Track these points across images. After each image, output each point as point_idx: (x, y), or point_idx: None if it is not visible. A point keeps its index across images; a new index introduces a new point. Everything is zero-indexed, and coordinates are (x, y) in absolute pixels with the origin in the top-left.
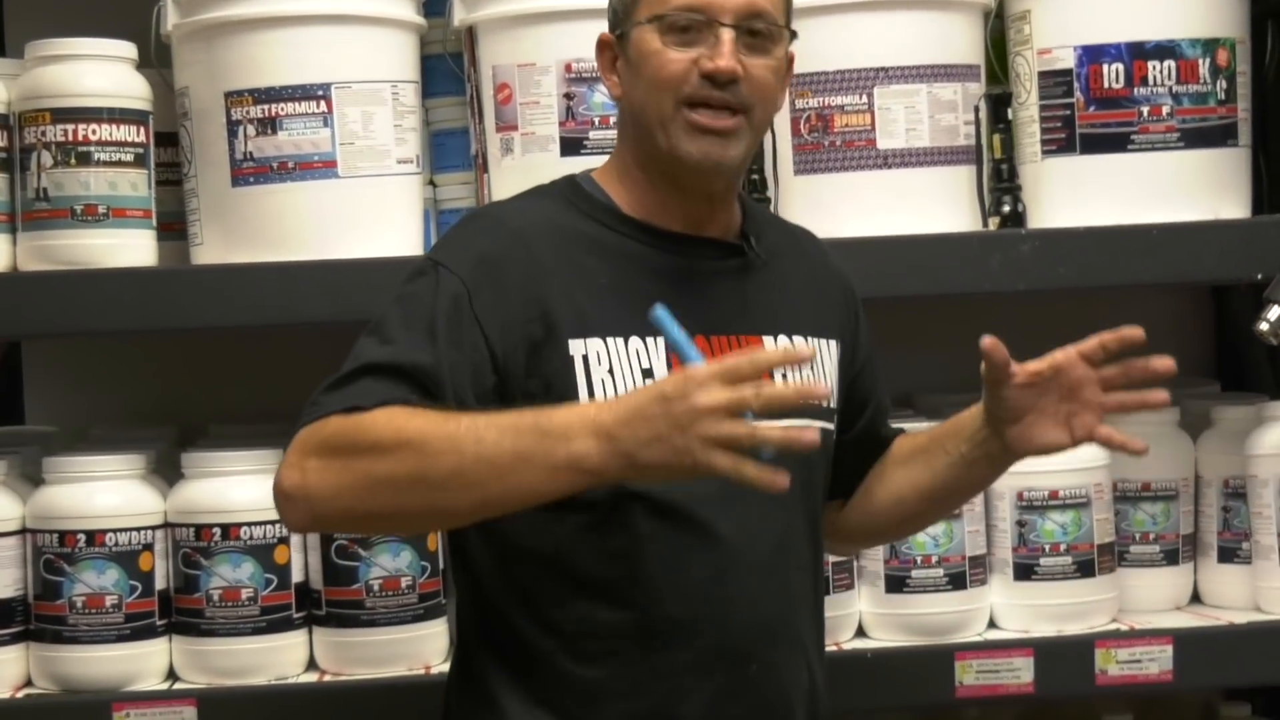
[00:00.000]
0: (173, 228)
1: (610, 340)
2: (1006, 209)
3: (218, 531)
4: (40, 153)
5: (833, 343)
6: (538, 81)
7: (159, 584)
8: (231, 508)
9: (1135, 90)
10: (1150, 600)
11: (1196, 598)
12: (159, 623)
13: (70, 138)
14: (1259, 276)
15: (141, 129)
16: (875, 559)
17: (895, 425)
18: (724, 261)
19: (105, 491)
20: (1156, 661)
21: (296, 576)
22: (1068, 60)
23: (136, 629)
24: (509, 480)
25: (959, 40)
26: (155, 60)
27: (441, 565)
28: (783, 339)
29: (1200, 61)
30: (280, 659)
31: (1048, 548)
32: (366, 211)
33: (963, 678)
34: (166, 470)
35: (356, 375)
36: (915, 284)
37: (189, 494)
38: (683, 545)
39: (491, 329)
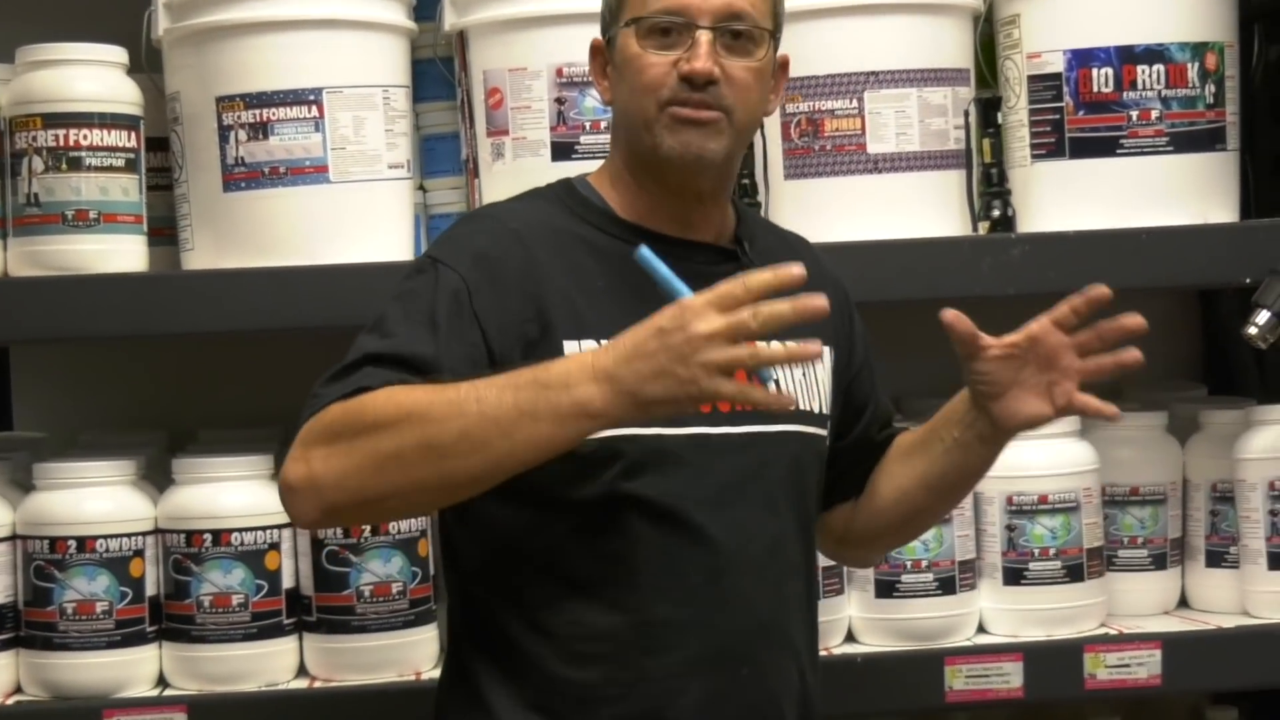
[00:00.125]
0: (163, 233)
1: (605, 342)
2: (996, 213)
3: (208, 537)
4: (31, 158)
5: (828, 349)
6: (529, 86)
7: (149, 590)
8: (222, 513)
9: (1124, 94)
10: (1138, 605)
11: (1184, 602)
12: (149, 629)
13: (61, 143)
14: (1247, 280)
15: (132, 134)
16: None
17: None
18: (718, 266)
19: (96, 498)
20: (1145, 666)
21: (287, 582)
22: (1057, 64)
23: (127, 635)
24: (516, 436)
25: (949, 44)
26: (146, 65)
27: (432, 571)
28: (775, 344)
29: (1189, 65)
30: (271, 665)
31: (1037, 552)
32: (358, 216)
33: (952, 682)
34: (156, 476)
35: (356, 366)
36: (906, 288)
37: (180, 500)
38: (675, 547)
39: (490, 327)
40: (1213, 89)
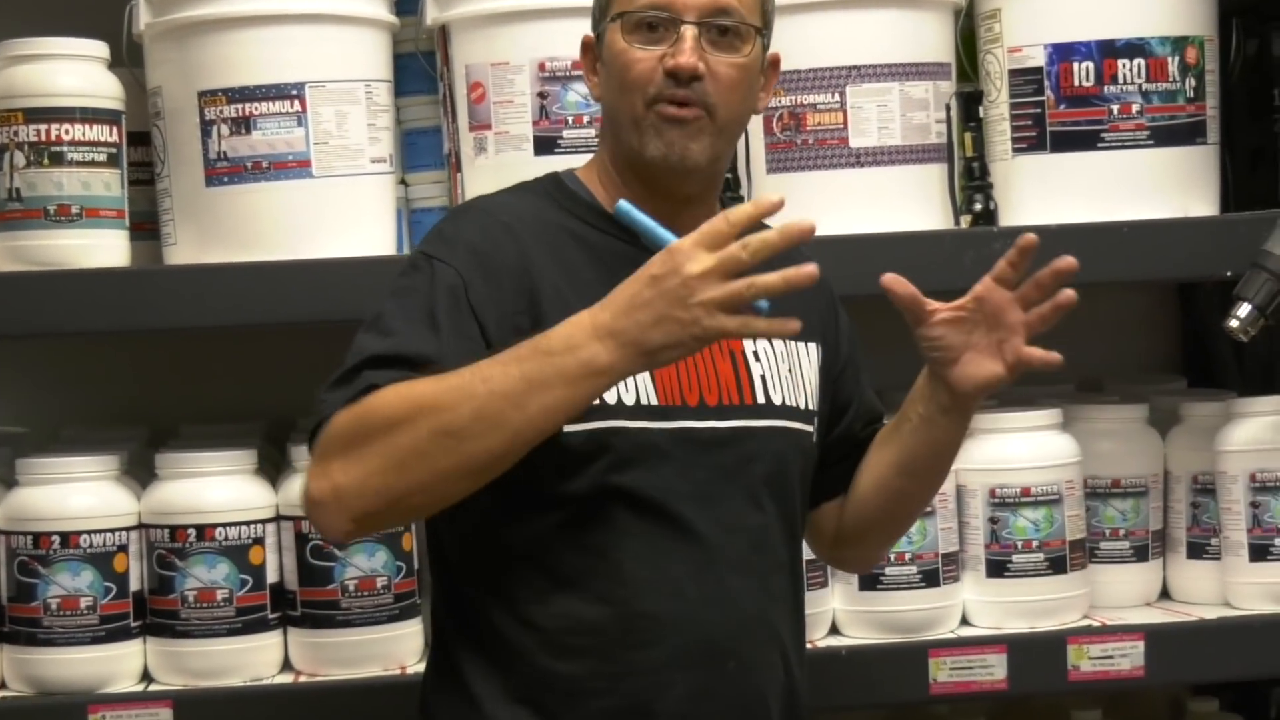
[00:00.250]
0: (144, 227)
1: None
2: (978, 207)
3: (192, 532)
4: (13, 153)
5: (813, 345)
6: (511, 80)
7: (134, 585)
8: (206, 509)
9: (1105, 88)
10: (1120, 596)
11: (1165, 594)
12: (134, 624)
13: (43, 138)
14: (1228, 274)
15: (114, 129)
16: None
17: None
18: None
19: (79, 493)
20: (1128, 657)
21: (271, 577)
22: (1038, 58)
23: (111, 631)
24: (530, 407)
25: (930, 38)
26: (127, 60)
27: (417, 565)
28: (761, 341)
29: (1170, 60)
30: (255, 660)
31: (1020, 544)
32: (340, 211)
33: (936, 675)
34: (138, 471)
35: (359, 369)
36: None
37: (163, 495)
38: (661, 541)
39: (487, 320)
40: (1193, 83)
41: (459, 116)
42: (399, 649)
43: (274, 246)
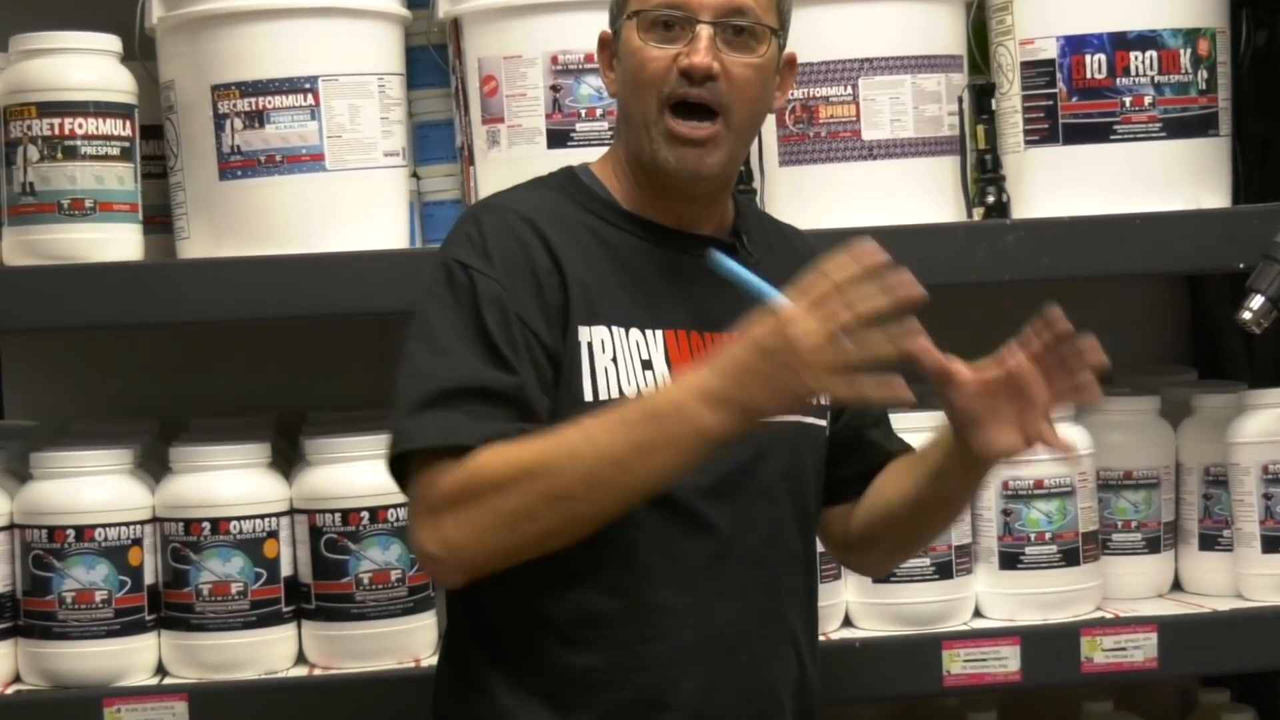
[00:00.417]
0: (156, 221)
1: (614, 329)
2: (991, 199)
3: (207, 526)
4: (26, 147)
5: None
6: (524, 73)
7: (148, 579)
8: (220, 502)
9: (1118, 80)
10: (1132, 588)
11: (1176, 585)
12: (148, 618)
13: (56, 131)
14: (1240, 266)
15: (127, 122)
16: None
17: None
18: None
19: (94, 487)
20: (1142, 649)
21: (286, 570)
22: (1050, 50)
23: (126, 624)
24: (639, 470)
25: (942, 30)
26: (140, 53)
27: None
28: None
29: (1182, 51)
30: (270, 653)
31: (1033, 536)
32: (353, 205)
33: (950, 667)
34: (151, 465)
35: (438, 400)
36: None
37: (177, 488)
38: (675, 534)
39: (537, 326)
40: (1205, 75)
41: (471, 110)
42: (413, 642)
43: (287, 240)
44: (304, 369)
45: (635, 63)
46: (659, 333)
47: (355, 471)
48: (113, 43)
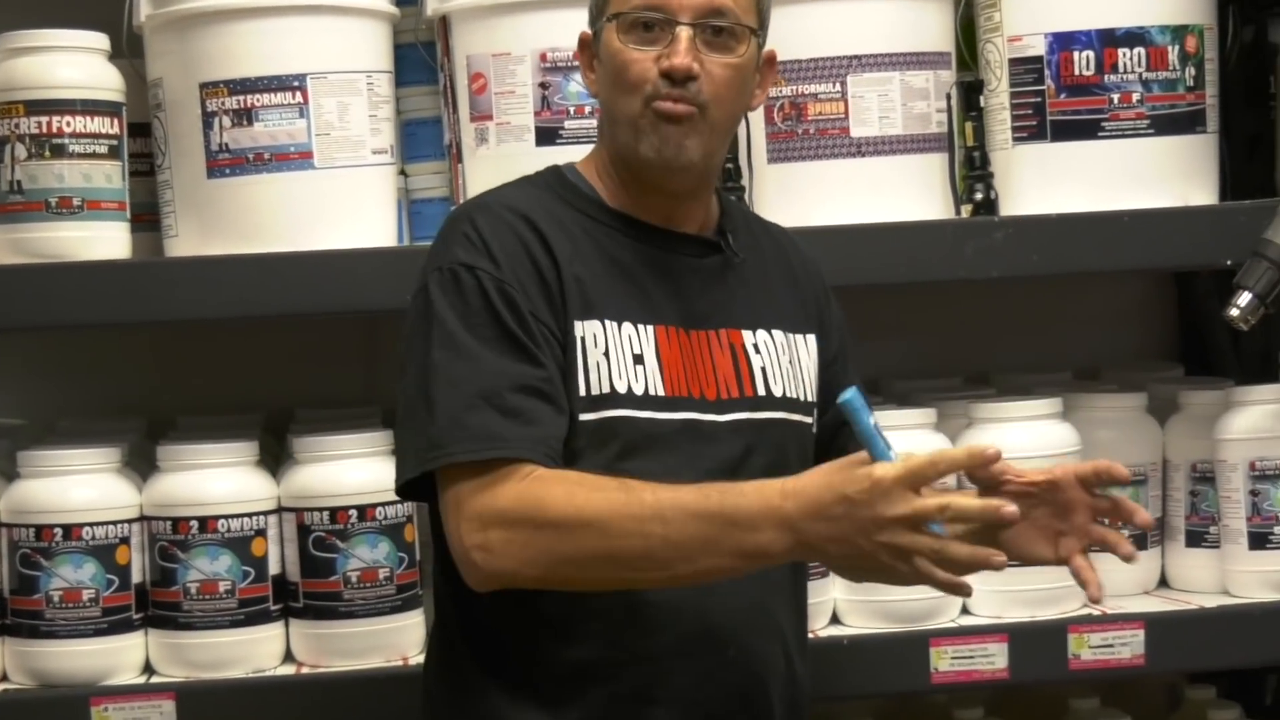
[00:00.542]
0: (143, 219)
1: (607, 323)
2: (979, 196)
3: (194, 524)
4: (14, 145)
5: (811, 337)
6: (512, 71)
7: (136, 578)
8: (208, 500)
9: (1105, 77)
10: (1118, 584)
11: (1163, 582)
12: (136, 616)
13: (44, 130)
14: (1228, 262)
15: (115, 120)
16: None
17: None
18: (703, 258)
19: (81, 485)
20: (1129, 646)
21: (273, 569)
22: (1038, 47)
23: (114, 623)
24: (697, 564)
25: (931, 27)
26: (127, 51)
27: (418, 556)
28: (761, 333)
29: (1170, 48)
30: (258, 651)
31: None
32: (342, 202)
33: (938, 664)
34: (138, 463)
35: (476, 405)
36: (890, 271)
37: (165, 487)
38: None
39: (546, 318)
40: (1193, 71)
41: (460, 107)
42: (401, 640)
43: (275, 238)
44: (292, 367)
45: (616, 64)
46: (650, 328)
47: (343, 470)
48: (100, 40)
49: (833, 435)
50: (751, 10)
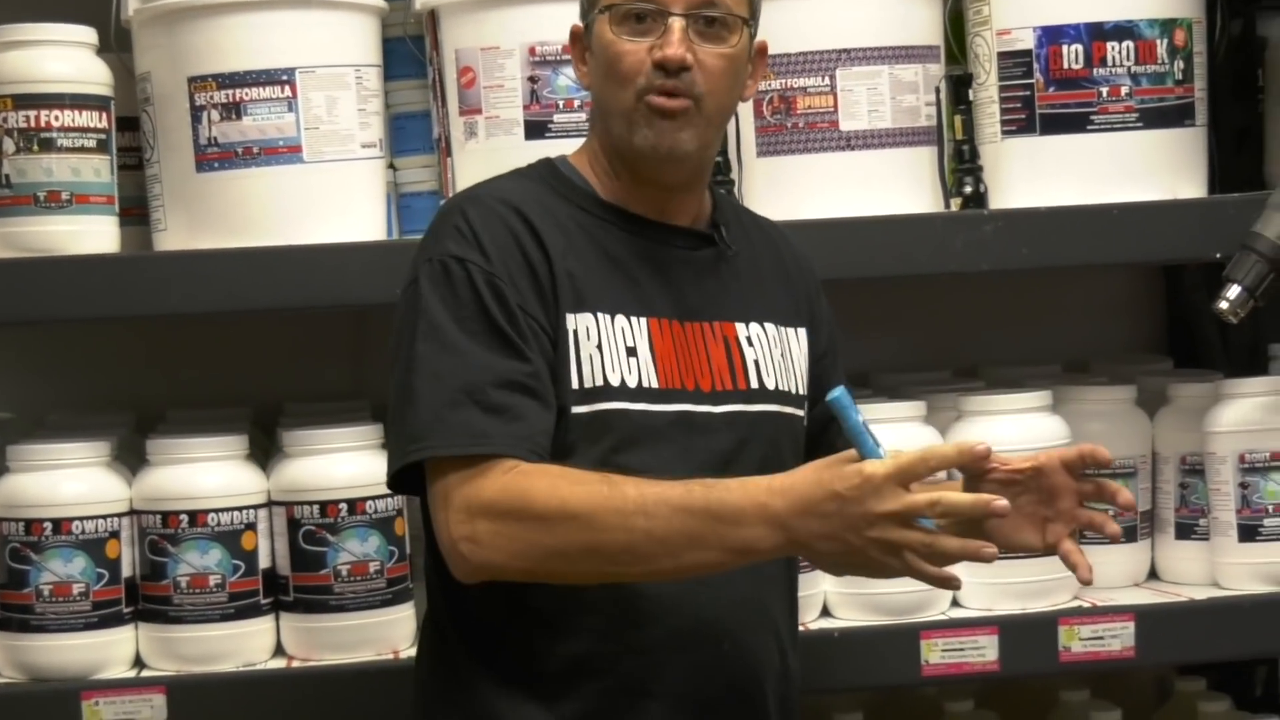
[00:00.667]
0: (132, 213)
1: (600, 316)
2: (968, 189)
3: (185, 518)
4: (2, 139)
5: (802, 330)
6: (501, 65)
7: (126, 571)
8: (198, 494)
9: (1094, 71)
10: (1108, 577)
11: (1153, 574)
12: (126, 610)
13: (33, 124)
14: (1217, 255)
15: (103, 114)
16: None
17: None
18: (696, 251)
19: (71, 479)
20: (1119, 638)
21: (264, 562)
22: (1027, 41)
23: (104, 617)
24: (682, 558)
25: (919, 21)
26: (115, 45)
27: (409, 550)
28: (754, 326)
29: (1158, 42)
30: (248, 645)
31: None
32: (331, 196)
33: (929, 656)
34: (127, 457)
35: (459, 400)
36: (879, 265)
37: (155, 481)
38: None
39: (536, 313)
40: (1181, 65)
41: (449, 101)
42: (392, 634)
43: (264, 232)
44: (281, 361)
45: (609, 56)
46: (643, 320)
47: (333, 463)
48: (88, 35)
49: (821, 430)
50: (743, 0)
